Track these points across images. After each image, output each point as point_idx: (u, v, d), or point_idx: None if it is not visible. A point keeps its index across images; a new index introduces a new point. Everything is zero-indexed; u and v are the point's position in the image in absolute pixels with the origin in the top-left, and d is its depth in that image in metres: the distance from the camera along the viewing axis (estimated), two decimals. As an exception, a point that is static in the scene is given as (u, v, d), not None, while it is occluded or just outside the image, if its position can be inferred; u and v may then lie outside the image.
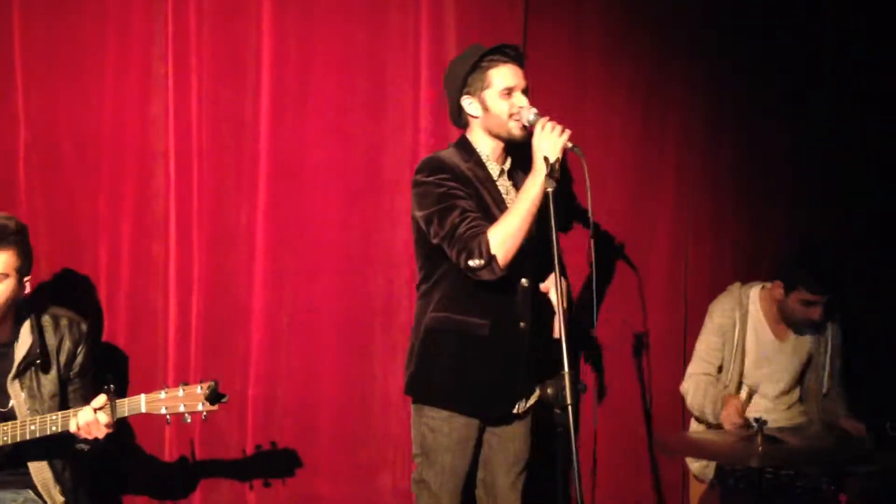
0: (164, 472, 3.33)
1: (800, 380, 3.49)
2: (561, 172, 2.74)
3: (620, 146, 3.66)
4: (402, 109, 3.43)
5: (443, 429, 2.78)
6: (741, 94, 3.76)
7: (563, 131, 2.67)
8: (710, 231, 3.77)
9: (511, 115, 2.79)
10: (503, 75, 2.79)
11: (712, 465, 3.35)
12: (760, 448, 2.63)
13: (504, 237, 2.64)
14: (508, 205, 2.79)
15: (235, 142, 3.36)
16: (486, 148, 2.86)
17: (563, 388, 2.48)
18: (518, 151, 2.88)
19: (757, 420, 2.71)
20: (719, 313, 3.43)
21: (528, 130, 2.75)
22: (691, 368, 3.45)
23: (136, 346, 3.34)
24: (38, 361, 2.79)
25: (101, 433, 2.66)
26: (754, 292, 3.46)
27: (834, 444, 3.03)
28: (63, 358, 2.85)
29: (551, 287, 2.87)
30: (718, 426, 3.31)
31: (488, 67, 2.79)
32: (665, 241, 3.72)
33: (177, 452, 3.33)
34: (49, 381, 2.81)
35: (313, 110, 3.39)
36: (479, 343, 2.77)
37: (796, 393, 3.49)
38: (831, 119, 3.81)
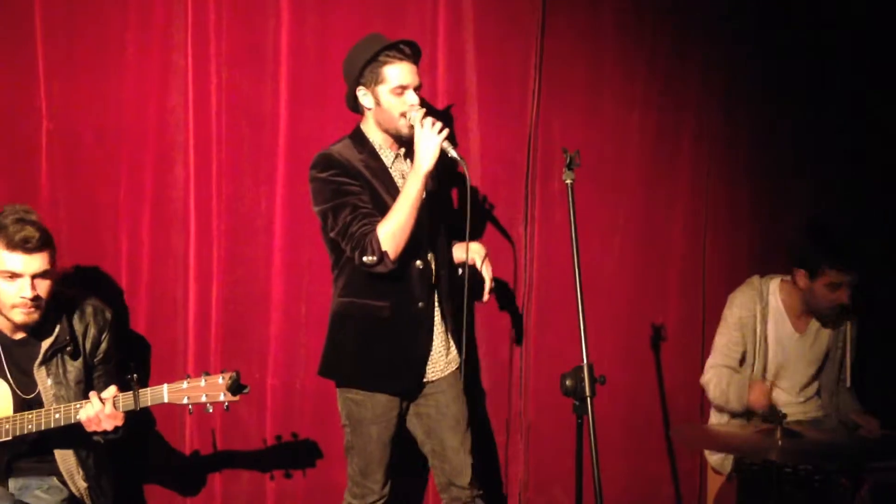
0: (185, 461, 3.36)
1: (818, 374, 3.48)
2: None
3: (637, 138, 3.66)
4: (419, 100, 3.44)
5: (366, 403, 2.95)
6: (758, 84, 3.74)
7: (441, 130, 2.78)
8: (727, 222, 3.77)
9: (402, 114, 2.88)
10: (397, 73, 2.87)
11: (730, 457, 3.35)
12: (780, 442, 2.63)
13: (392, 233, 2.79)
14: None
15: (254, 132, 3.37)
16: (379, 138, 2.97)
17: (582, 379, 2.52)
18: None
19: (777, 413, 2.71)
20: (739, 306, 3.41)
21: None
22: (711, 361, 3.44)
23: (156, 334, 3.36)
24: (69, 349, 2.83)
25: (109, 425, 2.68)
26: (774, 284, 3.44)
27: (852, 440, 3.02)
28: (88, 344, 2.88)
29: (477, 258, 3.03)
30: (742, 415, 3.30)
31: (384, 63, 2.87)
32: (682, 233, 3.72)
33: (198, 442, 3.36)
34: (75, 368, 2.84)
35: (331, 100, 3.38)
36: (382, 324, 2.92)
37: (814, 387, 3.48)
38: (849, 110, 3.79)
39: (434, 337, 2.99)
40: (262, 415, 3.40)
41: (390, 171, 2.96)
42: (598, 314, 3.53)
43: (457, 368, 3.06)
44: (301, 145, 3.38)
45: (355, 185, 2.86)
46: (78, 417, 2.68)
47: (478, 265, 3.04)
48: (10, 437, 2.71)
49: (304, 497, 3.44)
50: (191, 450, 3.36)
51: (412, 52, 2.91)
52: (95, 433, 2.71)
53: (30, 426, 2.69)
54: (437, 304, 3.00)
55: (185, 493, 3.39)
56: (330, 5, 3.38)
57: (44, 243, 2.71)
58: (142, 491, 3.37)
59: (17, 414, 2.72)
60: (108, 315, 2.94)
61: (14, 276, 2.68)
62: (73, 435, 2.76)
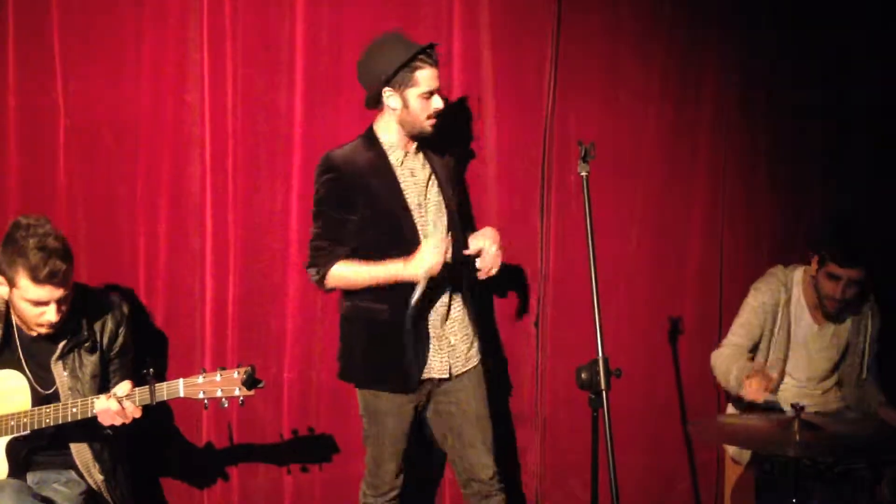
0: (201, 455, 3.38)
1: (837, 366, 3.46)
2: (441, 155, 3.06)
3: (654, 130, 3.64)
4: (434, 96, 3.43)
5: (382, 396, 3.00)
6: (775, 78, 3.71)
7: (444, 254, 2.84)
8: (745, 215, 3.74)
9: (428, 116, 2.93)
10: (428, 78, 2.91)
11: (750, 448, 3.33)
12: (798, 437, 2.59)
13: (341, 282, 2.94)
14: (406, 188, 2.96)
15: (270, 128, 3.38)
16: (393, 138, 2.99)
17: (597, 373, 2.51)
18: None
19: (794, 405, 2.68)
20: (763, 292, 3.40)
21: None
22: (727, 339, 3.45)
23: (173, 329, 3.39)
24: (87, 343, 2.85)
25: (126, 419, 2.70)
26: (797, 275, 3.44)
27: (872, 432, 2.98)
28: (105, 339, 2.91)
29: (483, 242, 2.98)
30: (741, 400, 3.29)
31: (417, 68, 2.90)
32: (700, 227, 3.70)
33: (215, 436, 3.38)
34: (90, 363, 2.87)
35: (346, 96, 3.39)
36: (383, 325, 2.95)
37: (833, 379, 3.46)
38: (868, 103, 3.75)
39: (453, 329, 3.01)
40: (279, 408, 3.42)
41: (397, 170, 2.98)
42: (614, 307, 3.54)
43: (479, 363, 3.08)
44: (316, 141, 3.38)
45: (341, 195, 2.91)
46: (94, 411, 2.70)
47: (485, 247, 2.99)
48: (27, 431, 2.73)
49: (322, 491, 3.45)
50: (207, 443, 3.38)
51: (436, 57, 2.94)
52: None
53: (47, 420, 2.72)
54: (457, 300, 3.02)
55: (203, 487, 3.42)
56: (344, 3, 3.38)
57: (67, 272, 2.68)
58: (159, 485, 3.40)
59: (35, 408, 2.74)
60: (126, 309, 2.97)
61: (39, 303, 2.70)
62: (87, 428, 2.78)
